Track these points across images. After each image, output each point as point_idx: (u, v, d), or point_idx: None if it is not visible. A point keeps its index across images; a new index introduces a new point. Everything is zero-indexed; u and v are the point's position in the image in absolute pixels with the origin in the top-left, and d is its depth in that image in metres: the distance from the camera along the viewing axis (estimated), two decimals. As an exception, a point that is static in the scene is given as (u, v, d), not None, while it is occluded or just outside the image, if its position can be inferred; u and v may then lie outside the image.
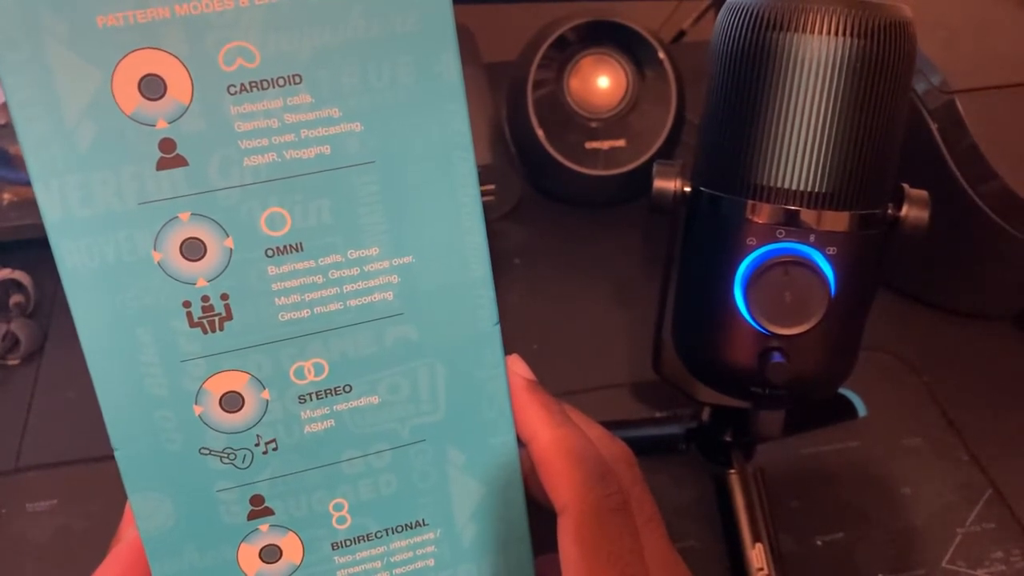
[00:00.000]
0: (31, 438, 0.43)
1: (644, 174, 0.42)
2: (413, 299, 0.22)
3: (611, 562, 0.22)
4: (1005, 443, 0.44)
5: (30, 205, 0.52)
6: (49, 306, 0.49)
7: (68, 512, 0.39)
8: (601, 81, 0.54)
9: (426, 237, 0.22)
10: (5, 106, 0.55)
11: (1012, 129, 0.42)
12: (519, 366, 0.24)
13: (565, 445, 0.23)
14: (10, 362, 0.46)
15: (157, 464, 0.21)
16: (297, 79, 0.20)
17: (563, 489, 0.22)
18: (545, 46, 0.52)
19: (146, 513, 0.21)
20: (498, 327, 0.23)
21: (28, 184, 0.52)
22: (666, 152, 0.53)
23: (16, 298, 0.48)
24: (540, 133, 0.52)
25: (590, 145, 0.53)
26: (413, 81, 0.21)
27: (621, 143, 0.53)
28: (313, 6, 0.20)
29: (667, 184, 0.31)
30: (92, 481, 0.40)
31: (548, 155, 0.52)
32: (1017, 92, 0.42)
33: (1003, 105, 0.42)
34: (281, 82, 0.20)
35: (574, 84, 0.53)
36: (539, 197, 0.58)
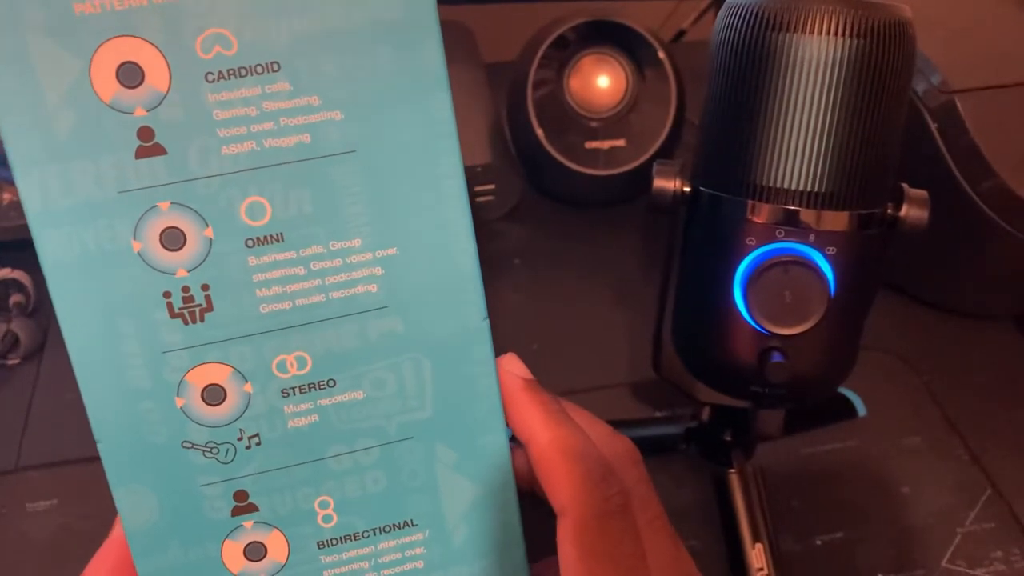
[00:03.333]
0: (31, 438, 0.43)
1: (644, 174, 0.42)
2: (398, 292, 0.21)
3: (612, 567, 0.21)
4: (1005, 443, 0.44)
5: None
6: (49, 306, 0.49)
7: (68, 512, 0.39)
8: (601, 81, 0.53)
9: (410, 229, 0.21)
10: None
11: (1012, 129, 0.42)
12: (516, 365, 0.24)
13: (563, 446, 0.22)
14: (10, 362, 0.46)
15: (140, 457, 0.21)
16: (275, 66, 0.20)
17: (562, 492, 0.22)
18: (545, 46, 0.52)
19: (130, 508, 0.21)
20: (487, 322, 0.22)
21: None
22: (666, 152, 0.53)
23: (16, 298, 0.48)
24: (540, 133, 0.52)
25: (590, 145, 0.53)
26: (395, 69, 0.20)
27: (621, 143, 0.53)
28: None
29: (667, 184, 0.31)
30: (92, 481, 0.40)
31: (548, 155, 0.52)
32: (1017, 92, 0.42)
33: (1003, 105, 0.42)
34: (259, 69, 0.20)
35: (574, 84, 0.53)
36: (539, 197, 0.58)
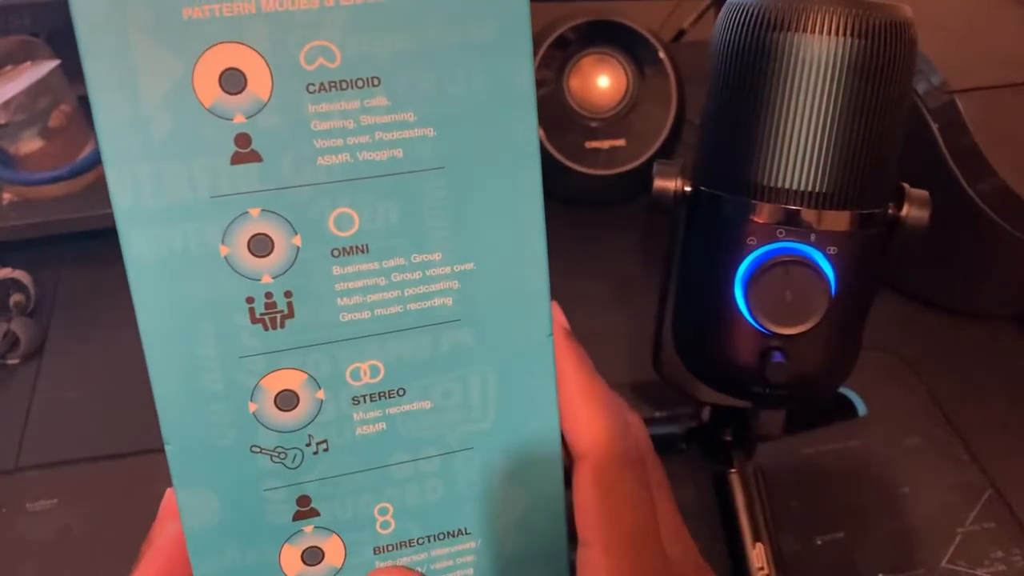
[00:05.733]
0: (31, 438, 0.43)
1: (644, 174, 0.42)
2: (471, 306, 0.22)
3: (629, 510, 0.22)
4: (1005, 443, 0.44)
5: (30, 205, 0.52)
6: (49, 305, 0.49)
7: (68, 512, 0.39)
8: (601, 81, 0.54)
9: (488, 245, 0.21)
10: (6, 106, 0.55)
11: (1012, 129, 0.42)
12: (558, 314, 0.24)
13: (594, 393, 0.23)
14: (10, 362, 0.46)
15: (207, 460, 0.21)
16: (376, 81, 0.20)
17: (587, 435, 0.22)
18: (545, 46, 0.52)
19: (192, 509, 0.21)
20: (551, 338, 0.23)
21: (28, 184, 0.52)
22: (666, 151, 0.53)
23: (16, 297, 0.48)
24: (540, 133, 0.52)
25: (590, 144, 0.53)
26: (487, 90, 0.21)
27: (621, 143, 0.53)
28: (395, 10, 0.20)
29: (667, 183, 0.31)
30: (92, 481, 0.40)
31: (548, 155, 0.52)
32: (1017, 92, 0.42)
33: (1003, 105, 0.42)
34: (360, 83, 0.20)
35: (574, 84, 0.53)
36: (539, 197, 0.58)
